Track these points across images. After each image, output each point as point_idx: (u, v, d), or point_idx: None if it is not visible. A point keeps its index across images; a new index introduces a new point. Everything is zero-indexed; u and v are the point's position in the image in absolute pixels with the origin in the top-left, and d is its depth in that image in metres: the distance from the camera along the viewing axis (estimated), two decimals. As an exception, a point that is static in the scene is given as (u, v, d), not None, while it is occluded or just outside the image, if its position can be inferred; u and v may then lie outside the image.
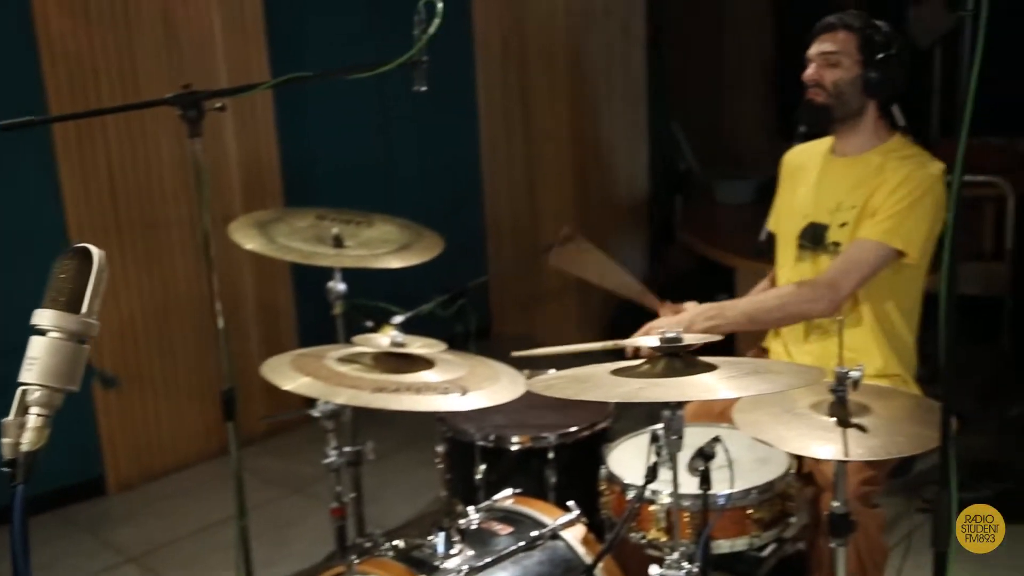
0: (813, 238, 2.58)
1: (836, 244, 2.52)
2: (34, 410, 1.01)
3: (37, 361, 1.02)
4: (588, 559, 2.14)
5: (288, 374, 2.18)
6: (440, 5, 2.28)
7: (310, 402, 2.59)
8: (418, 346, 2.28)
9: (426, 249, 2.76)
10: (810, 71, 2.54)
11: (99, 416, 3.91)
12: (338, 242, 2.71)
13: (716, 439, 1.91)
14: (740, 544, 2.09)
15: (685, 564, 1.83)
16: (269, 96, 4.30)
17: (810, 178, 2.66)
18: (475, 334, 3.09)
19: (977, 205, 4.33)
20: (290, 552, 3.37)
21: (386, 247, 2.74)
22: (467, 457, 2.55)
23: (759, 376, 1.71)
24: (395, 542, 2.17)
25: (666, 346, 1.76)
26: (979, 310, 3.98)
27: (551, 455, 2.49)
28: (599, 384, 1.71)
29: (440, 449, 2.66)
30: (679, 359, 1.76)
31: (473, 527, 2.21)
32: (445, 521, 2.17)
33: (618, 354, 2.54)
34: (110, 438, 3.95)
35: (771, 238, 3.09)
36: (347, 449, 2.57)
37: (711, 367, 1.75)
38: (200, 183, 2.42)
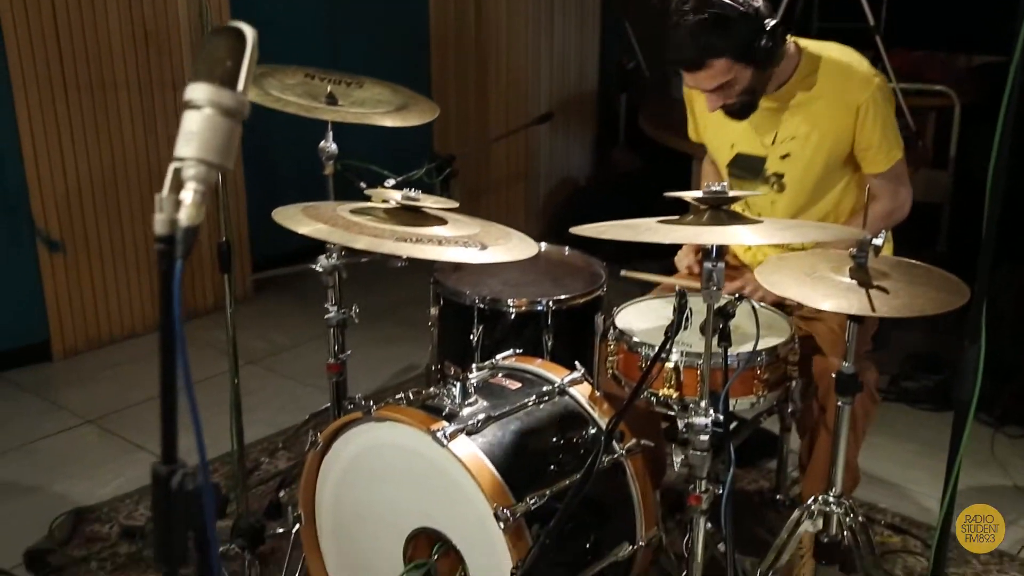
0: (748, 169, 2.54)
1: (779, 175, 2.49)
2: (191, 185, 0.97)
3: (195, 136, 0.98)
4: (595, 414, 2.20)
5: (302, 220, 2.14)
6: None
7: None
8: (431, 203, 2.26)
9: (423, 112, 2.71)
10: (710, 103, 2.36)
11: (44, 280, 3.78)
12: (332, 100, 2.64)
13: (739, 297, 1.96)
14: (745, 403, 2.18)
15: (711, 412, 1.89)
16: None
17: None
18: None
19: (923, 114, 4.48)
20: (255, 419, 3.35)
21: (382, 107, 2.68)
22: (463, 319, 2.56)
23: (801, 229, 1.76)
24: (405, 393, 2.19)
25: (711, 197, 1.80)
26: (919, 215, 4.15)
27: (548, 319, 2.52)
28: (653, 230, 1.74)
29: (434, 311, 2.67)
30: (723, 212, 1.80)
31: (482, 382, 2.24)
32: (457, 374, 2.19)
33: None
34: (55, 303, 3.82)
35: None
36: (342, 310, 2.54)
37: (756, 221, 1.80)
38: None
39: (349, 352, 2.52)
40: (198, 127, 0.99)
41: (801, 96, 2.42)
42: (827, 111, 2.40)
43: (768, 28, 2.24)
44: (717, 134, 2.59)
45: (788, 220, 1.89)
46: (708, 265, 1.79)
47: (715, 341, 1.93)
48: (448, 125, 5.43)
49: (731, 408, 2.18)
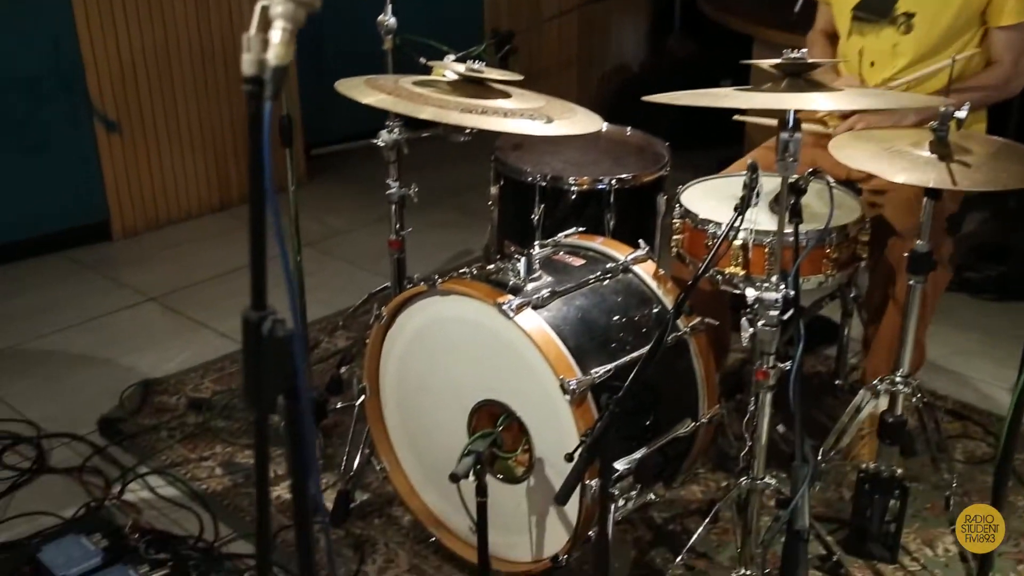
0: (876, 10, 2.47)
1: (909, 15, 2.42)
2: (279, 23, 0.95)
3: (282, -29, 0.96)
4: (659, 292, 2.19)
5: (366, 91, 2.12)
6: None
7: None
8: (495, 75, 2.22)
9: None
10: None
11: (103, 160, 3.80)
12: (390, -31, 2.58)
13: (814, 171, 1.92)
14: (813, 281, 2.15)
15: (783, 286, 1.87)
16: None
17: None
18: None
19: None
20: (313, 300, 3.37)
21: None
22: (524, 198, 2.53)
23: (882, 96, 1.71)
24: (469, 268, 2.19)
25: (789, 63, 1.74)
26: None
27: (610, 199, 2.49)
28: (731, 97, 1.69)
29: (494, 190, 2.65)
30: (801, 79, 1.75)
31: (545, 258, 2.22)
32: (518, 252, 2.18)
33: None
34: (114, 183, 3.85)
35: (807, 8, 3.01)
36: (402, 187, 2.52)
37: (834, 89, 1.74)
38: None
39: (410, 229, 2.52)
40: (285, -37, 0.96)
41: None
42: None
43: None
44: None
45: (869, 88, 1.83)
46: (784, 135, 1.74)
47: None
48: (500, 1, 5.30)
49: (803, 286, 2.15)
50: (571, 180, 2.50)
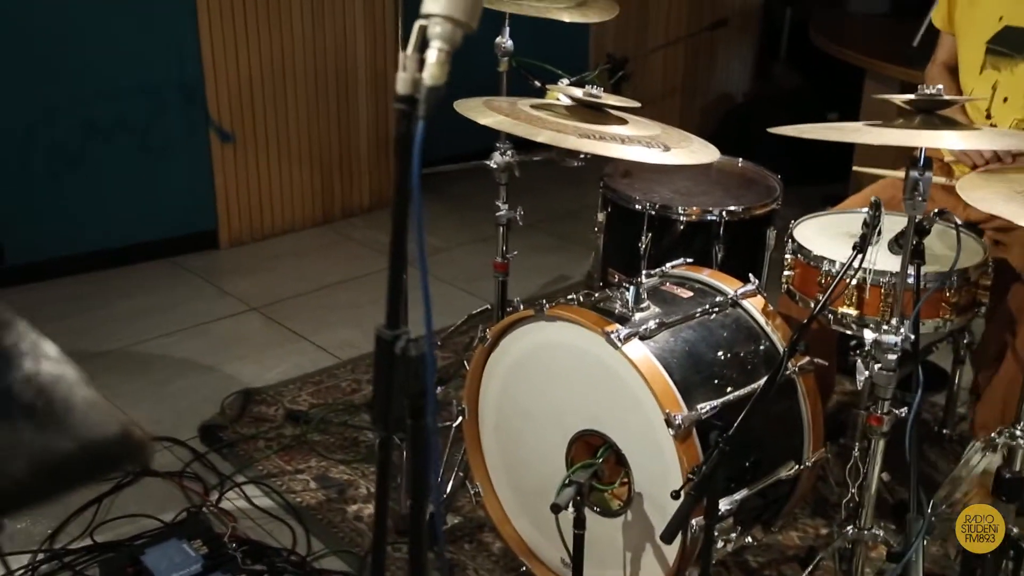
0: (1013, 44, 2.38)
1: None
2: (435, 44, 0.96)
3: (443, -7, 0.96)
4: (768, 329, 2.14)
5: (484, 112, 2.13)
6: None
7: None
8: (613, 101, 2.21)
9: (601, 10, 2.64)
10: None
11: (215, 171, 3.90)
12: (512, -9, 2.60)
13: (941, 211, 1.86)
14: (930, 325, 2.08)
15: (903, 330, 1.81)
16: None
17: None
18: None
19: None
20: (409, 319, 3.41)
21: (562, 2, 2.63)
22: (632, 226, 2.51)
23: (1017, 137, 1.65)
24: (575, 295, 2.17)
25: (924, 99, 1.69)
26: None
27: (720, 230, 2.45)
28: (860, 132, 1.65)
29: (600, 218, 2.63)
30: (934, 116, 1.70)
31: (653, 288, 2.20)
32: (622, 281, 2.16)
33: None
34: (224, 193, 3.95)
35: (926, 39, 2.92)
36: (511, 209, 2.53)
37: (967, 126, 1.69)
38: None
39: (515, 252, 2.52)
40: (444, -14, 0.96)
41: None
42: None
43: None
44: (984, 8, 2.45)
45: (1009, 130, 1.78)
46: (914, 174, 1.69)
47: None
48: (607, 28, 5.28)
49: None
50: (680, 210, 2.47)
